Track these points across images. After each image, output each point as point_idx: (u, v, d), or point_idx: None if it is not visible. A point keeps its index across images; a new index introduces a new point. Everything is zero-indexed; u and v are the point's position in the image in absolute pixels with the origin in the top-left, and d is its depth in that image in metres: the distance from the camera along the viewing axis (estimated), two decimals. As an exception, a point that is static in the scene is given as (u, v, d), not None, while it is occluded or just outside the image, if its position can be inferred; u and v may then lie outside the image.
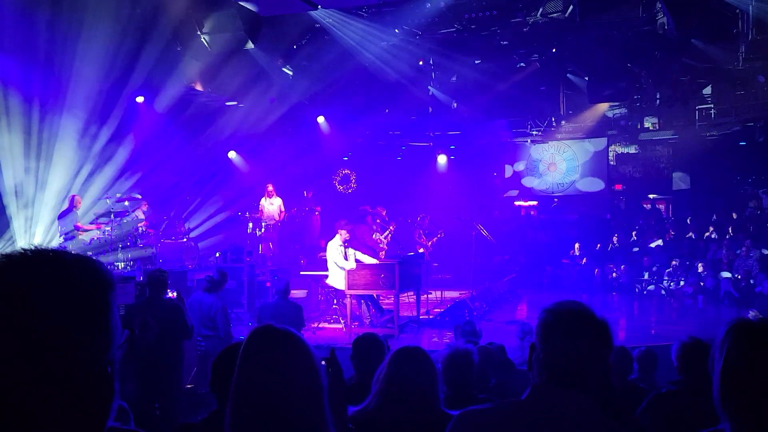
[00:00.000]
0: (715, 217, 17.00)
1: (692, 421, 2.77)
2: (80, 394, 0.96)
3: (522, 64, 16.01)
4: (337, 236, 10.22)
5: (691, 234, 16.67)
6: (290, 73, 15.37)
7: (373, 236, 12.10)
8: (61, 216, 11.39)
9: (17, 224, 11.72)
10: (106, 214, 11.53)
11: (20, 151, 11.69)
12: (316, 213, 15.59)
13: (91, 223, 11.59)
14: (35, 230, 11.93)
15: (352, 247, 10.35)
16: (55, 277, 0.97)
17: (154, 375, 6.31)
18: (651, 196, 19.41)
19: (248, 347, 1.78)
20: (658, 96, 17.73)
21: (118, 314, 1.03)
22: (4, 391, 0.91)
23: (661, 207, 19.49)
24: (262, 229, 13.73)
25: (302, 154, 17.40)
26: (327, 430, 1.73)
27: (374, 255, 11.05)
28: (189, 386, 7.57)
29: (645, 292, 15.01)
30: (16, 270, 0.96)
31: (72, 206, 11.32)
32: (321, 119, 17.62)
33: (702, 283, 14.26)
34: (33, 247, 1.01)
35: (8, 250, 1.02)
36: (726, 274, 14.09)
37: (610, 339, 1.75)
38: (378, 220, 12.45)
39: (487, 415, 1.78)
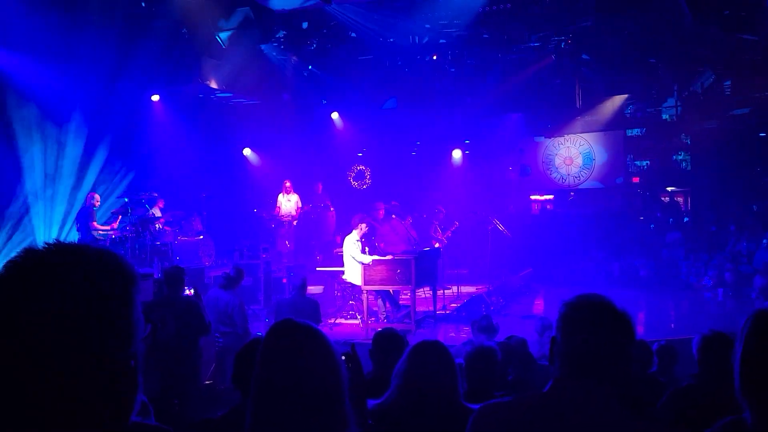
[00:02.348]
0: (734, 209, 16.82)
1: (712, 414, 2.74)
2: (104, 386, 0.97)
3: (537, 57, 15.91)
4: (355, 231, 10.24)
5: (710, 226, 16.53)
6: (304, 69, 15.38)
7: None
8: (79, 214, 11.49)
9: (36, 222, 11.86)
10: (123, 212, 11.62)
11: (40, 152, 11.82)
12: (332, 209, 15.60)
13: (107, 222, 11.68)
14: (54, 228, 12.08)
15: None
16: (78, 270, 0.97)
17: (172, 371, 6.35)
18: (669, 188, 19.22)
19: (269, 341, 1.79)
20: (675, 87, 17.55)
21: (140, 308, 1.04)
22: (29, 383, 0.92)
23: (680, 200, 19.31)
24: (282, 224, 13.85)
25: (317, 151, 17.42)
26: (347, 424, 1.73)
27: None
28: (207, 382, 7.62)
29: (664, 286, 14.87)
30: (40, 264, 0.97)
31: (89, 204, 11.40)
32: (335, 115, 17.63)
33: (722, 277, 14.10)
34: (56, 241, 1.01)
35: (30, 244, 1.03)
36: None
37: (632, 332, 1.74)
38: (394, 216, 12.44)
39: (509, 408, 1.77)
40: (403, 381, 2.74)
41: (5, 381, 0.92)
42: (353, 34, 14.30)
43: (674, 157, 19.02)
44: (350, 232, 10.45)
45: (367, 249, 10.28)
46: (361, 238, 10.21)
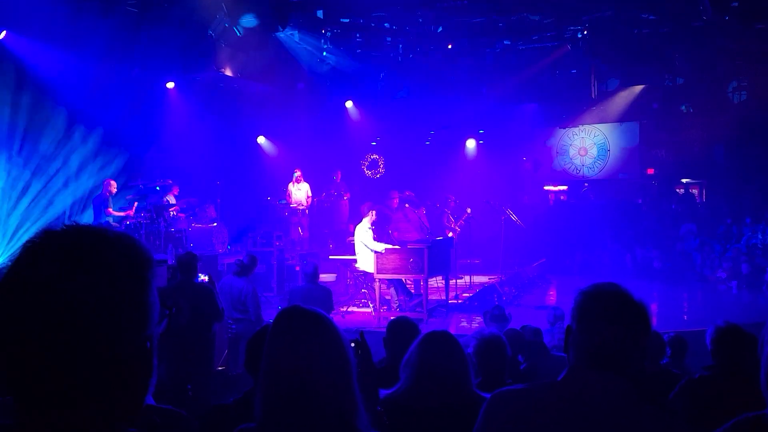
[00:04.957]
0: (749, 201, 16.67)
1: (726, 406, 2.73)
2: (120, 368, 0.97)
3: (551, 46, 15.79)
4: (365, 219, 10.24)
5: (725, 218, 16.41)
6: (318, 58, 15.35)
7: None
8: (94, 201, 11.56)
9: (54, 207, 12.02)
10: (138, 198, 11.67)
11: (55, 138, 11.91)
12: (345, 198, 15.61)
13: (123, 208, 11.75)
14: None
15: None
16: (95, 252, 0.98)
17: (186, 357, 6.40)
18: (684, 180, 19.07)
19: (276, 328, 1.79)
20: (691, 78, 17.37)
21: (156, 292, 1.04)
22: (44, 363, 0.93)
23: (695, 191, 19.16)
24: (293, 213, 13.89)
25: (331, 139, 17.41)
26: (357, 411, 1.73)
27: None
28: (220, 368, 7.68)
29: (678, 278, 14.77)
30: (58, 244, 0.98)
31: (105, 191, 11.47)
32: (349, 104, 17.60)
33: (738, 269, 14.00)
34: (74, 223, 1.02)
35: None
36: None
37: (648, 322, 1.72)
38: (407, 205, 12.43)
39: (522, 395, 1.76)
40: (412, 371, 2.75)
41: (21, 361, 0.93)
42: (367, 23, 14.24)
43: (689, 148, 18.83)
44: (361, 220, 10.46)
45: (375, 237, 10.27)
46: (371, 225, 10.21)
